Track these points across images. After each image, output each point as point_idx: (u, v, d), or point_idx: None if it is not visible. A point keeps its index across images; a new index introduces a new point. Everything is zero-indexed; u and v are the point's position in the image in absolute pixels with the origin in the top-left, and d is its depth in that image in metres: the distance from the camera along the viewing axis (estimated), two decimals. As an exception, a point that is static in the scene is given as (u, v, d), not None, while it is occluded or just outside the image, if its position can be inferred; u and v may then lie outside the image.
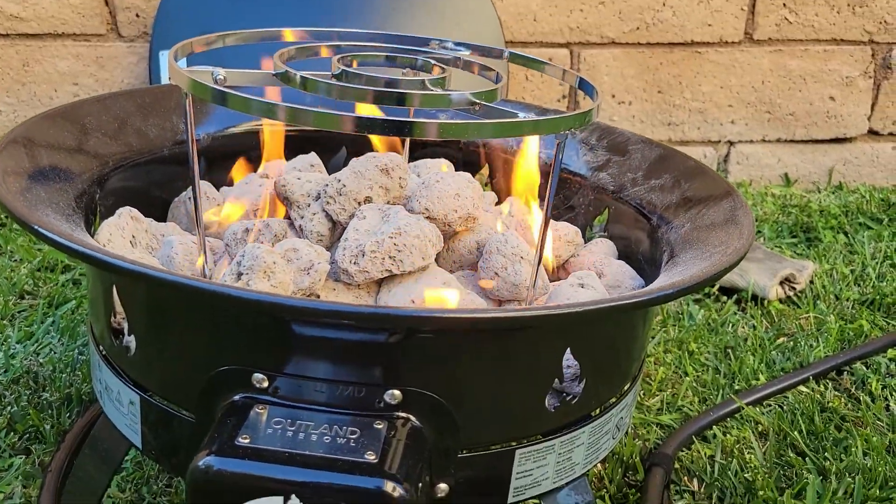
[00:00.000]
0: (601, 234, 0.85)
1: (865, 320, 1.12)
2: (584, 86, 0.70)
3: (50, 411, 0.86)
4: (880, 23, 1.52)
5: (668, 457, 0.83)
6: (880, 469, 0.83)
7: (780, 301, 1.19)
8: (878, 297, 1.19)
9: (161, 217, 0.82)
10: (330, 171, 0.86)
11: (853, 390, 0.99)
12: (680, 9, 1.48)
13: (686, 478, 0.84)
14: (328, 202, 0.72)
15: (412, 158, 0.92)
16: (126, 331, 0.62)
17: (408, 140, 0.89)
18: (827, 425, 0.91)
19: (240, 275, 0.62)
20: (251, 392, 0.55)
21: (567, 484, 0.64)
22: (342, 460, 0.51)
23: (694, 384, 0.99)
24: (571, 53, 1.49)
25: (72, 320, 1.02)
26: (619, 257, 0.81)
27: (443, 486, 0.58)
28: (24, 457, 0.81)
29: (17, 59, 1.42)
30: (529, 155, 0.82)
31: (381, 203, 0.72)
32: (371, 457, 0.51)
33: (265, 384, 0.55)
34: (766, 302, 1.17)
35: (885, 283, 1.23)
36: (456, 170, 0.88)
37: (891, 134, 1.61)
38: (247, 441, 0.51)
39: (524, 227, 0.79)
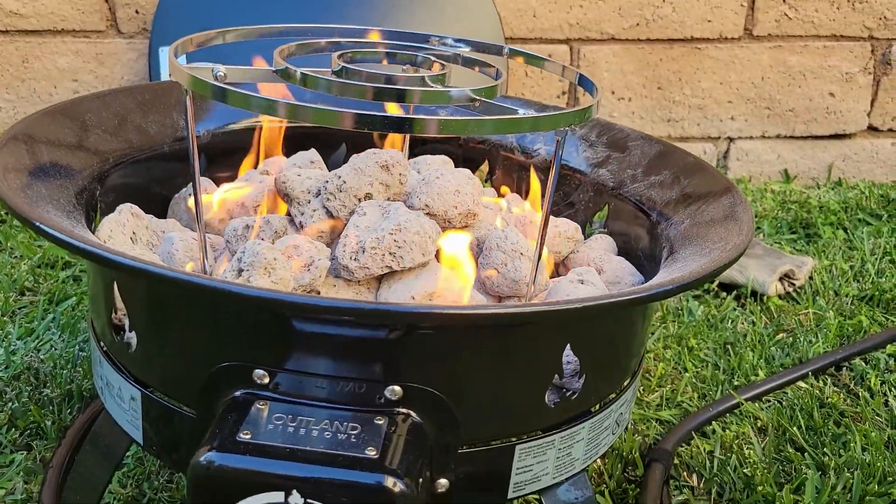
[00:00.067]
0: (601, 231, 0.86)
1: (864, 316, 1.12)
2: (584, 82, 0.70)
3: (51, 407, 0.86)
4: (880, 19, 1.52)
5: (667, 452, 0.83)
6: (879, 464, 0.83)
7: (780, 297, 1.19)
8: (877, 292, 1.19)
9: (161, 213, 0.82)
10: (330, 167, 0.86)
11: (852, 386, 0.99)
12: (679, 5, 1.48)
13: (685, 473, 0.84)
14: (328, 198, 0.72)
15: (412, 155, 0.92)
16: (127, 327, 0.62)
17: (407, 136, 0.89)
18: (826, 421, 0.91)
19: (240, 271, 0.62)
20: (252, 388, 0.55)
21: (567, 479, 0.64)
22: (343, 456, 0.51)
23: (693, 380, 0.99)
24: (571, 50, 1.49)
25: (72, 317, 1.02)
26: (619, 254, 0.81)
27: (443, 481, 0.58)
28: (25, 453, 0.81)
29: (17, 56, 1.42)
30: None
31: (381, 199, 0.72)
32: (372, 452, 0.51)
33: (266, 380, 0.55)
34: (765, 298, 1.18)
35: (884, 279, 1.23)
36: (456, 166, 0.89)
37: (890, 130, 1.61)
38: (248, 437, 0.52)
39: (523, 223, 0.79)
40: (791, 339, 1.08)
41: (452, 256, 0.70)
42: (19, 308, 1.05)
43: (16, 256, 1.18)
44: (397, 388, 0.54)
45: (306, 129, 0.88)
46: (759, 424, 0.92)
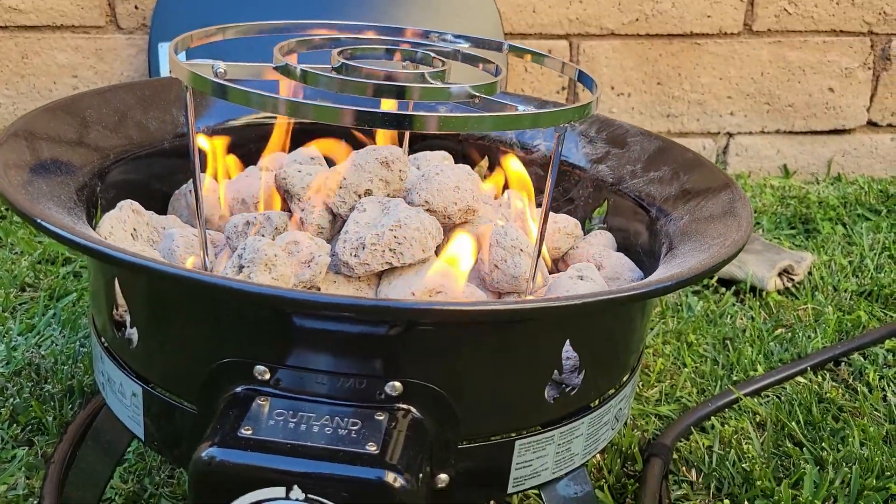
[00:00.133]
0: (600, 226, 0.86)
1: (863, 311, 1.13)
2: (584, 78, 0.70)
3: (52, 403, 0.86)
4: (879, 14, 1.52)
5: (666, 447, 0.84)
6: (877, 459, 0.83)
7: (779, 292, 1.19)
8: (875, 288, 1.19)
9: (162, 210, 0.82)
10: (330, 163, 0.86)
11: (851, 381, 1.00)
12: (679, 0, 1.48)
13: (684, 468, 0.85)
14: (328, 195, 0.72)
15: (412, 151, 0.92)
16: (128, 323, 0.62)
17: (407, 133, 0.90)
18: (824, 416, 0.92)
19: (241, 267, 0.62)
20: (253, 384, 0.55)
21: (566, 474, 0.64)
22: (344, 451, 0.51)
23: (692, 375, 0.99)
24: (571, 45, 1.49)
25: (73, 312, 1.03)
26: (619, 249, 0.82)
27: (443, 476, 0.58)
28: (26, 448, 0.81)
29: (16, 52, 1.42)
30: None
31: (381, 196, 0.72)
32: (372, 448, 0.51)
33: (267, 376, 0.55)
34: (764, 293, 1.18)
35: (883, 275, 1.23)
36: (456, 162, 0.89)
37: (889, 125, 1.61)
38: (249, 432, 0.52)
39: (522, 219, 0.79)
40: (790, 334, 1.08)
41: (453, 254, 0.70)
42: (20, 304, 1.05)
43: (16, 252, 1.18)
44: (397, 384, 0.55)
45: (305, 124, 0.88)
46: (757, 419, 0.92)
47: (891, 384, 0.98)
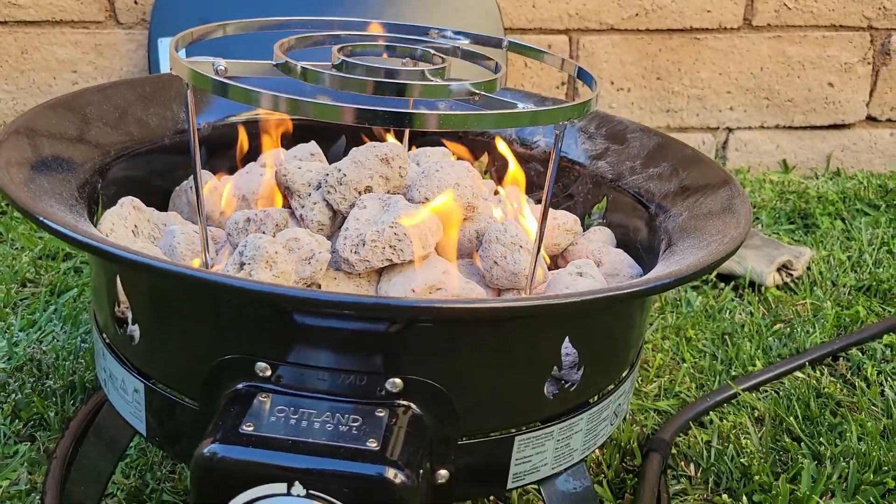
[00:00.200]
0: (599, 222, 0.86)
1: (862, 306, 1.13)
2: (583, 75, 0.70)
3: (54, 399, 0.87)
4: (879, 9, 1.52)
5: (665, 442, 0.84)
6: (874, 454, 0.84)
7: (778, 287, 1.20)
8: (874, 283, 1.19)
9: (162, 206, 0.83)
10: (330, 159, 0.86)
11: (849, 376, 1.00)
12: (679, -5, 1.48)
13: (683, 463, 0.85)
14: (329, 191, 0.72)
15: (411, 147, 0.92)
16: (130, 320, 0.63)
17: (407, 130, 0.90)
18: (822, 411, 0.92)
19: (242, 265, 0.62)
20: (254, 381, 0.56)
21: (565, 470, 0.64)
22: (344, 447, 0.51)
23: (691, 370, 1.00)
24: (570, 40, 1.49)
25: (74, 308, 1.03)
26: (618, 245, 0.82)
27: (443, 472, 0.58)
28: (28, 444, 0.82)
29: (16, 47, 1.42)
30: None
31: (381, 192, 0.72)
32: (373, 444, 0.52)
33: (268, 373, 0.55)
34: (763, 288, 1.18)
35: (881, 270, 1.24)
36: (455, 158, 0.89)
37: (889, 120, 1.61)
38: (250, 429, 0.52)
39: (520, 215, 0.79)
40: (788, 329, 1.08)
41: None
42: (21, 299, 1.06)
43: (17, 248, 1.18)
44: (398, 380, 0.55)
45: (305, 121, 0.88)
46: (756, 414, 0.93)
47: (888, 379, 0.99)
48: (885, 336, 1.07)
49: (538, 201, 0.88)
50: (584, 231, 0.84)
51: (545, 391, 0.60)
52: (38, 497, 0.75)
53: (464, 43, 0.77)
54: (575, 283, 0.68)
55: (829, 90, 1.57)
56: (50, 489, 0.73)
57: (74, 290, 1.07)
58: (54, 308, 1.03)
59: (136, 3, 1.41)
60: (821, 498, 0.79)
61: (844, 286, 1.19)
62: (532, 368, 0.59)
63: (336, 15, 1.08)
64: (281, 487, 0.51)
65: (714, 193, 0.73)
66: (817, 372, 1.00)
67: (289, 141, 0.89)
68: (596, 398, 0.65)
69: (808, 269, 1.24)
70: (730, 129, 1.59)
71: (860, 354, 1.03)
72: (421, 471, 0.54)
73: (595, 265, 0.73)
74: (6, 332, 0.98)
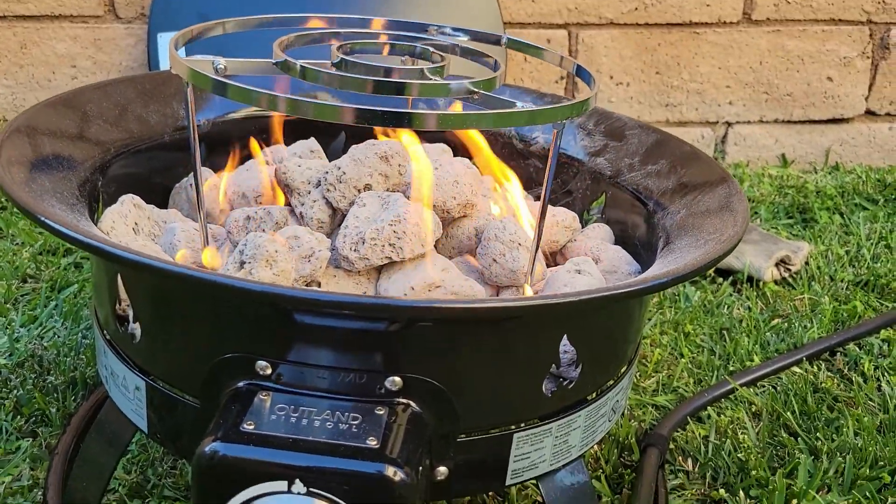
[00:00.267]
0: (598, 218, 0.86)
1: (859, 301, 1.13)
2: (582, 73, 0.71)
3: (55, 394, 0.87)
4: (878, 3, 1.52)
5: (663, 437, 0.85)
6: (871, 449, 0.85)
7: (776, 282, 1.20)
8: (872, 278, 1.20)
9: (162, 203, 0.83)
10: (329, 155, 0.87)
11: (846, 371, 1.00)
12: (678, -11, 1.48)
13: (680, 458, 0.86)
14: (328, 189, 0.72)
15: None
16: (131, 318, 0.63)
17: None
18: (819, 406, 0.93)
19: (242, 263, 0.63)
20: (255, 379, 0.56)
21: (564, 466, 0.65)
22: (344, 446, 0.52)
23: (689, 365, 1.00)
24: (570, 34, 1.49)
25: (74, 304, 1.03)
26: (616, 242, 0.82)
27: (442, 469, 0.59)
28: (30, 439, 0.82)
29: (15, 41, 1.42)
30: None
31: (380, 190, 0.73)
32: (373, 442, 0.52)
33: (268, 371, 0.56)
34: (761, 283, 1.19)
35: (879, 264, 1.24)
36: (454, 155, 0.89)
37: (888, 114, 1.61)
38: (251, 427, 0.53)
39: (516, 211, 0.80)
40: (786, 324, 1.09)
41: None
42: (22, 295, 1.06)
43: (17, 243, 1.18)
44: (397, 378, 0.55)
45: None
46: (753, 409, 0.93)
47: (885, 374, 0.99)
48: (882, 331, 1.07)
49: (537, 198, 0.89)
50: (582, 228, 0.84)
51: (543, 389, 0.61)
52: (40, 493, 0.76)
53: (463, 40, 0.78)
54: (573, 280, 0.69)
55: (829, 84, 1.57)
56: (52, 485, 0.74)
57: (75, 286, 1.07)
58: (55, 304, 1.03)
59: (135, -3, 1.41)
60: (817, 493, 0.80)
61: (842, 281, 1.20)
62: (531, 366, 0.59)
63: (336, 11, 1.08)
64: (281, 485, 0.51)
65: (712, 191, 0.73)
66: (815, 367, 1.00)
67: (288, 137, 0.89)
68: (594, 395, 0.65)
69: (807, 263, 1.24)
70: (729, 124, 1.59)
71: (857, 349, 1.04)
72: (420, 468, 0.54)
73: (593, 262, 0.73)
74: (7, 327, 0.98)
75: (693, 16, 1.50)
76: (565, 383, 0.62)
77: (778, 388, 0.97)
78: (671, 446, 0.87)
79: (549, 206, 0.81)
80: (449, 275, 0.68)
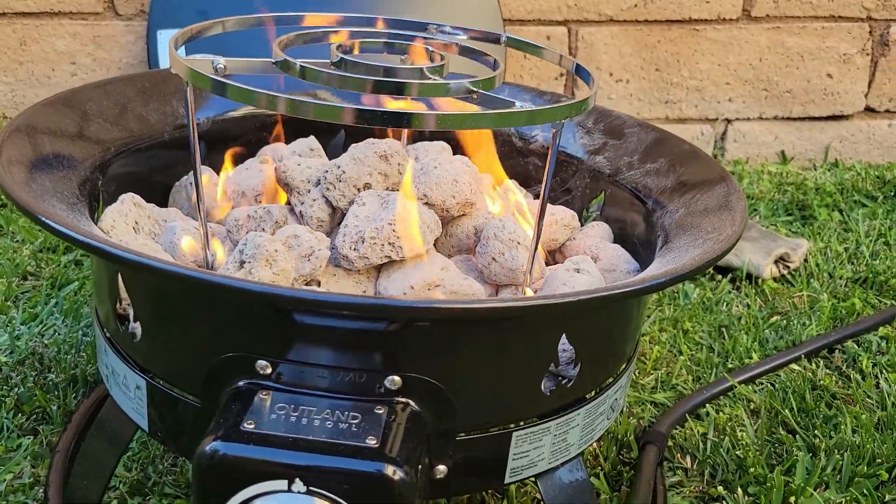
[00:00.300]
0: (597, 214, 0.87)
1: (858, 298, 1.14)
2: (581, 72, 0.71)
3: (56, 392, 0.87)
4: (878, -1, 1.52)
5: (661, 435, 0.85)
6: (868, 446, 0.85)
7: (775, 280, 1.20)
8: (870, 275, 1.20)
9: (163, 201, 0.83)
10: (329, 153, 0.87)
11: (844, 368, 1.01)
12: (678, -14, 1.48)
13: (679, 455, 0.86)
14: (328, 188, 0.73)
15: (411, 141, 0.92)
16: (131, 317, 0.63)
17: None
18: (818, 403, 0.93)
19: (242, 263, 0.63)
20: (255, 378, 0.56)
21: (563, 464, 0.65)
22: (344, 445, 0.52)
23: (688, 363, 1.00)
24: (569, 31, 1.49)
25: (75, 301, 1.04)
26: (615, 240, 0.82)
27: (441, 467, 0.59)
28: (31, 437, 0.82)
29: (14, 38, 1.42)
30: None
31: (380, 189, 0.73)
32: (372, 441, 0.52)
33: (268, 370, 0.56)
34: (760, 280, 1.19)
35: (878, 262, 1.24)
36: (454, 152, 0.89)
37: (887, 111, 1.61)
38: (252, 426, 0.53)
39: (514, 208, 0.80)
40: (785, 321, 1.09)
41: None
42: (22, 293, 1.06)
43: (17, 241, 1.18)
44: (397, 378, 0.56)
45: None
46: (752, 407, 0.94)
47: (883, 371, 1.00)
48: (881, 328, 1.07)
49: (537, 196, 0.89)
50: (581, 226, 0.84)
51: (542, 387, 0.61)
52: (41, 490, 0.76)
53: (462, 38, 0.78)
54: (572, 279, 0.69)
55: (828, 81, 1.57)
56: (53, 482, 0.74)
57: (75, 284, 1.07)
58: (55, 301, 1.03)
59: (134, -6, 1.41)
60: (815, 490, 0.80)
61: (841, 278, 1.20)
62: (529, 365, 0.60)
63: (336, 10, 1.08)
64: (282, 484, 0.52)
65: (711, 190, 0.74)
66: (813, 364, 1.01)
67: (288, 135, 0.89)
68: (593, 393, 0.66)
69: (805, 261, 1.24)
70: (728, 121, 1.59)
71: (856, 346, 1.04)
72: (419, 467, 0.55)
73: (592, 261, 0.74)
74: (8, 325, 0.99)
75: (693, 12, 1.50)
76: (564, 382, 0.63)
77: (776, 385, 0.97)
78: (670, 444, 0.87)
79: (549, 205, 0.82)
80: (448, 274, 0.68)
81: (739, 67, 1.54)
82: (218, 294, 0.55)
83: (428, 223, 0.69)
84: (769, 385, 0.97)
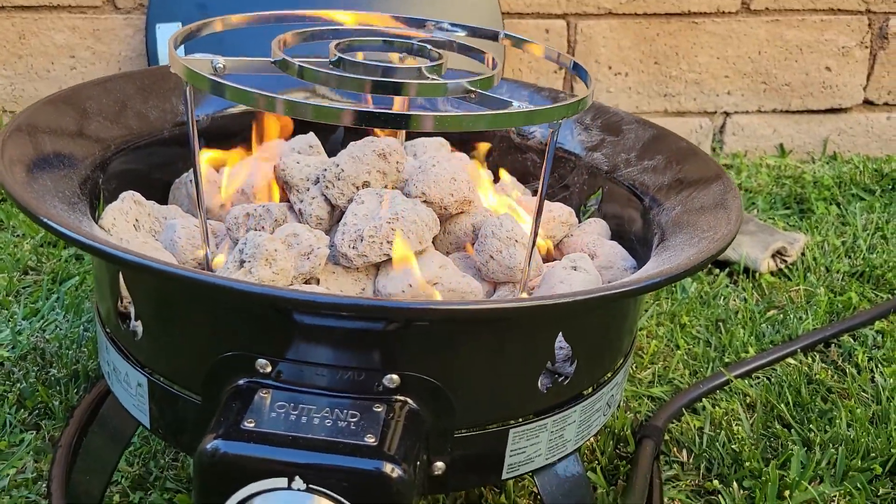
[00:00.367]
0: (595, 208, 0.87)
1: (854, 292, 1.14)
2: (578, 70, 0.71)
3: (58, 387, 0.88)
4: (878, -8, 1.52)
5: (658, 429, 0.86)
6: (863, 440, 0.86)
7: (772, 274, 1.21)
8: (867, 269, 1.21)
9: (163, 199, 0.83)
10: (328, 149, 0.87)
11: (840, 362, 1.02)
12: (677, -21, 1.48)
13: (675, 449, 0.87)
14: (327, 186, 0.73)
15: (409, 137, 0.93)
16: (133, 316, 0.64)
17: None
18: (813, 397, 0.94)
19: (242, 262, 0.63)
20: (255, 377, 0.57)
21: (559, 460, 0.66)
22: (343, 443, 0.53)
23: (685, 357, 1.01)
24: (568, 25, 1.49)
25: (76, 296, 1.04)
26: (613, 236, 0.83)
27: (440, 464, 0.60)
28: (34, 432, 0.83)
29: (13, 32, 1.42)
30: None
31: (378, 187, 0.73)
32: (371, 439, 0.53)
33: (268, 369, 0.57)
34: (757, 275, 1.19)
35: (875, 255, 1.25)
36: (452, 146, 0.90)
37: (886, 104, 1.61)
38: (252, 425, 0.54)
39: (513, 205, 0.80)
40: (782, 315, 1.10)
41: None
42: (23, 287, 1.07)
43: (18, 235, 1.19)
44: (395, 376, 0.56)
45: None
46: (748, 401, 0.94)
47: (879, 365, 1.00)
48: (877, 322, 1.08)
49: (535, 192, 0.89)
50: (579, 222, 0.85)
51: (539, 385, 0.62)
52: (44, 485, 0.77)
53: (460, 35, 0.78)
54: (569, 277, 0.70)
55: (827, 74, 1.57)
56: (56, 477, 0.75)
57: (76, 279, 1.08)
58: (56, 296, 1.04)
59: (133, -13, 1.41)
60: (809, 484, 0.81)
61: (838, 272, 1.21)
62: (526, 363, 0.60)
63: (335, 6, 1.08)
64: (282, 482, 0.52)
65: (707, 188, 0.74)
66: (809, 358, 1.01)
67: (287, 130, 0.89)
68: (589, 390, 0.66)
69: (803, 254, 1.25)
70: (727, 114, 1.59)
71: (852, 341, 1.05)
72: (417, 463, 0.55)
73: (589, 258, 0.74)
74: (10, 320, 0.99)
75: (692, 5, 1.50)
76: (560, 379, 0.63)
77: (772, 379, 0.98)
78: (666, 438, 0.88)
79: (546, 202, 0.82)
80: (446, 271, 0.69)
81: (738, 60, 1.54)
82: (217, 295, 0.56)
83: (426, 222, 0.69)
84: (765, 379, 0.98)
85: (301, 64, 0.62)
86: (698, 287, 1.16)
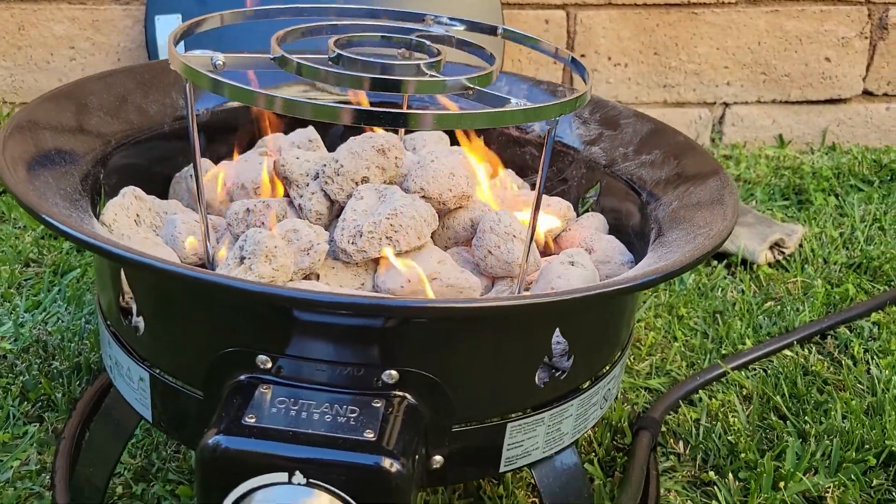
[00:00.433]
0: (593, 200, 0.88)
1: (851, 284, 1.15)
2: (576, 66, 0.71)
3: (60, 380, 0.89)
4: (878, -18, 1.52)
5: (655, 420, 0.87)
6: (857, 432, 0.87)
7: (770, 265, 1.21)
8: (865, 260, 1.21)
9: (163, 193, 0.84)
10: (328, 143, 0.88)
11: (836, 354, 1.02)
12: (677, -31, 1.48)
13: (672, 440, 0.88)
14: (326, 182, 0.74)
15: (409, 130, 0.93)
16: (134, 312, 0.65)
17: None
18: (809, 389, 0.95)
19: (242, 259, 0.64)
20: (256, 372, 0.58)
21: (556, 453, 0.67)
22: (343, 438, 0.54)
23: (682, 349, 1.02)
24: (568, 15, 1.49)
25: (77, 289, 1.05)
26: (610, 230, 0.83)
27: (438, 458, 0.61)
28: (37, 424, 0.84)
29: (13, 23, 1.42)
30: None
31: (378, 183, 0.74)
32: (370, 434, 0.54)
33: (269, 365, 0.57)
34: (755, 266, 1.20)
35: (872, 247, 1.25)
36: (451, 141, 0.90)
37: (885, 94, 1.61)
38: (253, 420, 0.54)
39: (509, 200, 0.81)
40: (779, 307, 1.11)
41: None
42: (25, 280, 1.08)
43: (19, 227, 1.20)
44: (394, 372, 0.57)
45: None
46: (744, 393, 0.95)
47: (875, 357, 1.01)
48: (873, 314, 1.09)
49: (533, 185, 0.90)
50: (577, 216, 0.85)
51: (536, 379, 0.62)
52: (48, 477, 0.78)
53: (459, 30, 0.78)
54: (567, 272, 0.70)
55: (826, 65, 1.57)
56: (59, 469, 0.76)
57: (77, 271, 1.08)
58: (58, 289, 1.05)
59: (132, -22, 1.41)
60: (804, 475, 0.82)
61: (835, 263, 1.21)
62: (524, 359, 0.61)
63: (334, 0, 1.08)
64: (282, 476, 0.53)
65: (704, 183, 0.75)
66: (805, 350, 1.02)
67: (287, 126, 0.90)
68: (586, 385, 0.67)
69: (801, 246, 1.25)
70: (726, 104, 1.59)
71: (848, 332, 1.06)
72: (416, 458, 0.56)
73: (587, 254, 0.75)
74: (12, 313, 1.00)
75: (691, -4, 1.50)
76: (558, 374, 0.64)
77: (769, 371, 0.98)
78: (663, 429, 0.89)
79: (545, 196, 0.83)
80: (445, 267, 0.69)
81: (738, 51, 1.54)
82: (217, 293, 0.57)
83: (425, 217, 0.70)
84: (762, 371, 0.98)
85: (299, 61, 0.63)
86: (696, 279, 1.16)
